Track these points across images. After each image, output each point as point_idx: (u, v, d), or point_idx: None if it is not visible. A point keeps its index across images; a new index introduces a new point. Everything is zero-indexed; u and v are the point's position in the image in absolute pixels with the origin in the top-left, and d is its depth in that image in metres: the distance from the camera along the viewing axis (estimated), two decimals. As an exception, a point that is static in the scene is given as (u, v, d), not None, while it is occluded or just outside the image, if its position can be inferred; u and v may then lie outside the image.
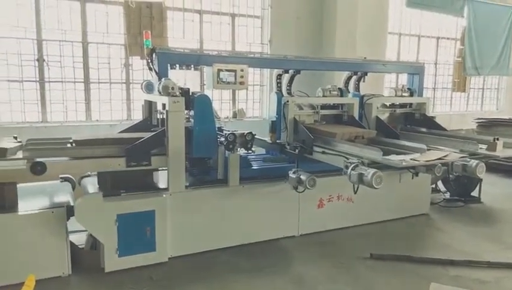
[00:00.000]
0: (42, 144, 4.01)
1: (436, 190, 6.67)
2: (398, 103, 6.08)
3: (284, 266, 4.20)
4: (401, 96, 6.06)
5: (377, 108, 5.68)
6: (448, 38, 10.93)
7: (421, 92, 6.26)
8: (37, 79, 6.22)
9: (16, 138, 4.24)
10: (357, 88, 5.96)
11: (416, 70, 6.33)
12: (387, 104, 6.06)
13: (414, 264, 4.23)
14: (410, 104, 6.13)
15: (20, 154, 3.82)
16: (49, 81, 6.29)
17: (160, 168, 4.53)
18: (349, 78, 5.99)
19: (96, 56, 6.55)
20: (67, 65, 6.36)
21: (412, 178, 5.34)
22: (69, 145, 4.03)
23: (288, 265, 4.22)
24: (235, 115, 7.91)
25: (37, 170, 3.66)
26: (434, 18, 10.44)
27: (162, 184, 4.39)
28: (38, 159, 3.69)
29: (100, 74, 6.62)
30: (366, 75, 5.95)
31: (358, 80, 5.97)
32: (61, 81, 6.36)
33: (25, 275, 3.20)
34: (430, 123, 5.86)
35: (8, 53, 5.99)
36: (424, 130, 5.72)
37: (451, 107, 11.38)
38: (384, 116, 5.85)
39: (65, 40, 6.31)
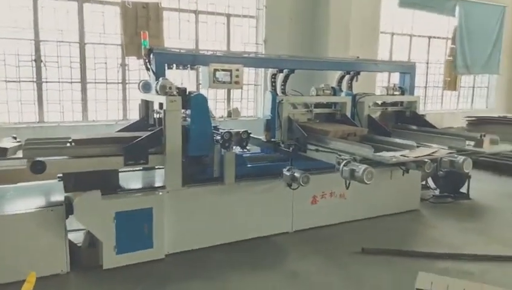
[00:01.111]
0: (41, 143, 4.08)
1: (426, 187, 6.82)
2: (389, 102, 6.22)
3: (278, 261, 4.32)
4: (393, 95, 6.19)
5: (369, 106, 5.81)
6: (439, 38, 11.10)
7: (412, 91, 6.40)
8: (34, 79, 6.29)
9: (15, 138, 4.34)
10: (350, 87, 6.09)
11: (407, 70, 6.47)
12: (379, 102, 6.20)
13: (404, 257, 4.38)
14: (401, 103, 6.27)
15: (20, 154, 3.92)
16: (46, 82, 6.38)
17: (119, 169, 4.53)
18: (342, 77, 6.12)
19: (93, 56, 6.63)
20: (65, 65, 6.44)
21: (403, 175, 5.47)
22: (68, 144, 4.11)
23: (282, 260, 4.34)
24: (229, 115, 8.02)
25: (37, 168, 3.73)
26: (426, 18, 10.60)
27: (126, 185, 4.35)
28: (38, 158, 3.77)
29: (97, 74, 6.70)
30: (359, 74, 6.07)
31: (351, 79, 6.09)
32: (58, 82, 6.44)
33: (25, 273, 3.29)
34: (421, 121, 6.01)
35: (5, 54, 6.06)
36: (414, 127, 5.86)
37: (442, 106, 11.57)
38: (376, 114, 5.98)
39: (62, 40, 6.39)
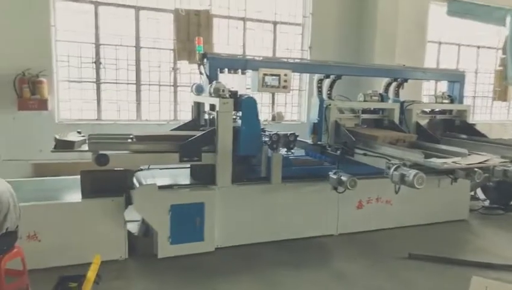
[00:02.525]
0: (105, 138, 4.38)
1: (475, 198, 6.66)
2: (437, 110, 6.16)
3: (324, 261, 4.39)
4: (441, 103, 6.12)
5: (417, 114, 5.78)
6: (489, 48, 10.79)
7: (461, 100, 6.32)
8: (94, 80, 6.71)
9: (79, 132, 4.65)
10: (397, 94, 6.09)
11: (456, 78, 6.39)
12: (427, 110, 6.16)
13: (452, 266, 4.33)
14: (450, 111, 6.20)
15: (85, 147, 4.22)
16: (105, 82, 6.78)
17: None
18: (389, 84, 6.13)
19: (148, 60, 6.99)
20: (121, 68, 6.83)
21: (451, 183, 5.41)
22: (129, 140, 4.39)
23: (328, 261, 4.41)
24: (274, 118, 8.16)
25: (101, 161, 4.02)
26: (475, 27, 10.35)
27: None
28: (102, 152, 4.05)
29: (150, 76, 7.05)
30: (406, 81, 6.07)
31: (398, 87, 6.10)
32: (116, 83, 6.83)
33: (89, 256, 3.56)
34: (471, 130, 5.90)
35: (69, 56, 6.51)
36: (464, 136, 5.76)
37: (491, 116, 11.19)
38: (423, 122, 5.94)
39: (120, 44, 6.79)
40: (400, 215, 5.37)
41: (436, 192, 5.48)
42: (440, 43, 10.03)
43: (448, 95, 6.24)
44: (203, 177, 4.63)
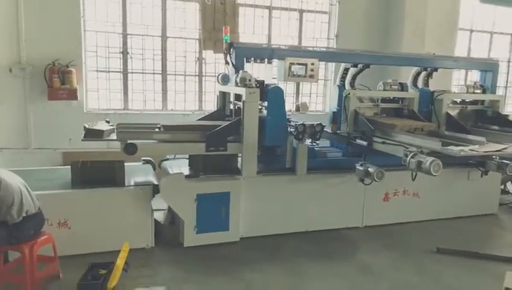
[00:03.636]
0: (133, 127, 4.44)
1: (505, 191, 6.46)
2: (468, 100, 5.97)
3: (350, 254, 4.36)
4: (473, 93, 5.93)
5: (448, 104, 5.62)
6: (524, 36, 10.35)
7: (494, 90, 6.11)
8: (121, 70, 6.79)
9: (108, 122, 4.73)
10: (426, 84, 5.94)
11: (489, 68, 6.17)
12: (458, 100, 5.98)
13: (482, 260, 4.23)
14: (482, 102, 6.00)
15: (113, 136, 4.28)
16: (132, 72, 6.85)
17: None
18: (418, 73, 5.98)
19: (174, 50, 7.01)
20: (148, 58, 6.87)
21: (481, 176, 5.30)
22: (156, 129, 4.44)
23: (354, 253, 4.37)
24: (298, 108, 8.09)
25: (130, 150, 4.08)
26: (509, 14, 9.93)
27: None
28: (130, 141, 4.10)
29: (176, 66, 7.08)
30: (436, 71, 5.90)
31: (428, 76, 5.95)
32: (142, 73, 6.89)
33: (117, 244, 3.65)
34: (504, 121, 5.70)
35: (98, 46, 6.59)
36: (496, 128, 5.58)
37: (524, 107, 10.78)
38: (453, 112, 5.77)
39: (147, 34, 6.83)
40: (428, 209, 5.28)
41: (465, 185, 5.37)
42: (472, 30, 9.68)
43: (480, 85, 6.05)
44: (200, 167, 4.57)
